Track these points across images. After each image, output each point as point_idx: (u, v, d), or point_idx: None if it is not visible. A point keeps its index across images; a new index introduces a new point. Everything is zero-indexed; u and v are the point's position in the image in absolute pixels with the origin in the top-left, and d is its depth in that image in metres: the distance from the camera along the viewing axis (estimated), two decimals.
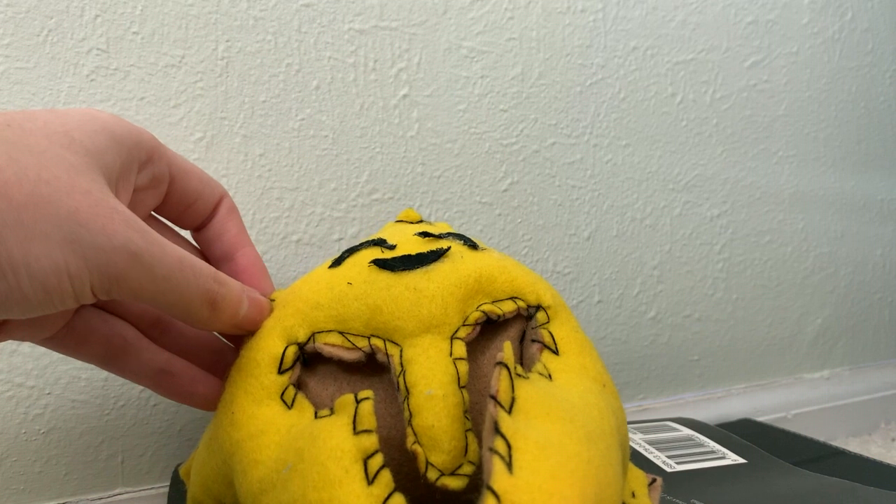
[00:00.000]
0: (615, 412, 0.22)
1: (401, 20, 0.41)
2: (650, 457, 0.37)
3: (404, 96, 0.41)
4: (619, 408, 0.23)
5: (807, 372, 0.57)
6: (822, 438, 0.46)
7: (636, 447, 0.39)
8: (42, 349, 0.33)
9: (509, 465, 0.16)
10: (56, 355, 0.33)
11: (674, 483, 0.34)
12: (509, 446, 0.16)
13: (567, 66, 0.47)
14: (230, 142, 0.37)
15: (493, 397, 0.18)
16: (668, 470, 0.36)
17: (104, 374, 0.34)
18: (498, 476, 0.16)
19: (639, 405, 0.50)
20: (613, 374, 0.49)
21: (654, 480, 0.25)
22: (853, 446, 0.51)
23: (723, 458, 0.38)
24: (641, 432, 0.41)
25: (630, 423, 0.44)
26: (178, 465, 0.35)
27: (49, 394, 0.33)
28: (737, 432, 0.43)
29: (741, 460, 0.37)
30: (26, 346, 0.33)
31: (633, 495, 0.24)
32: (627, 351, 0.49)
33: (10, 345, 0.33)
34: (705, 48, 0.52)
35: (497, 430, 0.17)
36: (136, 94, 0.35)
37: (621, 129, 0.49)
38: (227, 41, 0.37)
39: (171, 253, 0.20)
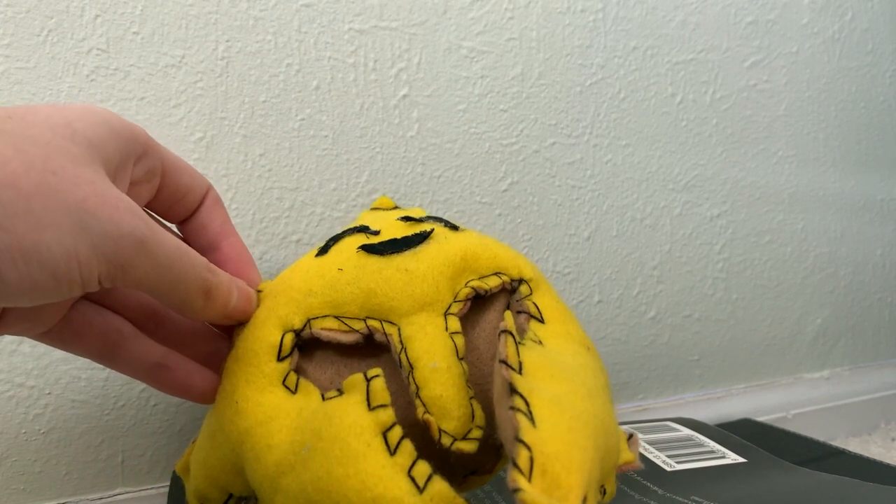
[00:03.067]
0: (602, 371, 0.24)
1: (401, 20, 0.41)
2: (650, 456, 0.37)
3: (404, 96, 0.41)
4: (603, 368, 0.25)
5: (807, 372, 0.57)
6: (822, 438, 0.46)
7: None
8: (42, 349, 0.33)
9: (532, 420, 0.17)
10: (56, 355, 0.33)
11: (674, 482, 0.34)
12: (527, 403, 0.17)
13: (567, 66, 0.47)
14: (230, 142, 0.37)
15: (504, 362, 0.19)
16: (669, 469, 0.36)
17: (104, 374, 0.34)
18: (525, 429, 0.17)
19: (639, 405, 0.50)
20: (613, 374, 0.49)
21: (631, 436, 0.26)
22: (853, 446, 0.51)
23: (723, 457, 0.38)
24: (641, 432, 0.41)
25: (630, 422, 0.44)
26: None
27: (49, 394, 0.33)
28: (737, 432, 0.43)
29: (741, 460, 0.37)
30: (26, 346, 0.33)
31: (619, 452, 0.25)
32: (627, 351, 0.49)
33: (10, 345, 0.33)
34: (705, 48, 0.52)
35: (514, 390, 0.18)
36: (136, 94, 0.35)
37: (621, 129, 0.49)
38: (227, 41, 0.37)
39: (172, 242, 0.21)
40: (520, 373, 0.19)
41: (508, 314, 0.22)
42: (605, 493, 0.22)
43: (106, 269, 0.18)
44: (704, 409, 0.51)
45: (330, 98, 0.39)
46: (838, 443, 0.52)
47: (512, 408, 0.17)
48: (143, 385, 0.35)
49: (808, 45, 0.57)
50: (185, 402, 0.36)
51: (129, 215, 0.19)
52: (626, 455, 0.24)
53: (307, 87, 0.39)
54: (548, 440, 0.16)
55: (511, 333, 0.20)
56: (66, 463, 0.34)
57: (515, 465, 0.16)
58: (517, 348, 0.20)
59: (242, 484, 0.24)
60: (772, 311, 0.55)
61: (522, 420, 0.17)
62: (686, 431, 0.42)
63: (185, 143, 0.36)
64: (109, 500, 0.35)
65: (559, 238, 0.47)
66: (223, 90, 0.37)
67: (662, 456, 0.37)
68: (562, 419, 0.17)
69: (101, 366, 0.34)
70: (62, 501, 0.34)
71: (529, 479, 0.16)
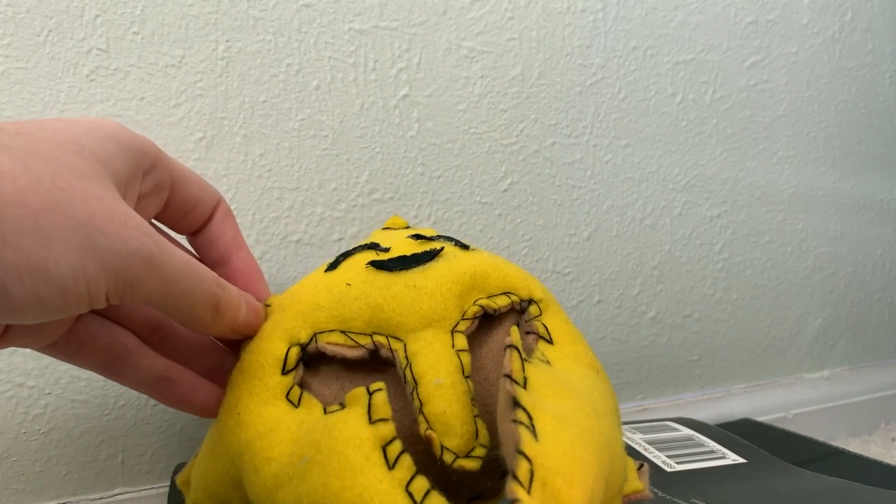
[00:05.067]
0: (611, 395, 0.24)
1: (401, 20, 0.41)
2: (650, 457, 0.37)
3: (404, 96, 0.41)
4: (612, 392, 0.24)
5: (807, 372, 0.57)
6: (822, 438, 0.46)
7: (636, 447, 0.39)
8: None
9: (534, 434, 0.17)
10: None
11: (674, 483, 0.34)
12: (531, 417, 0.17)
13: (567, 66, 0.47)
14: (230, 142, 0.37)
15: (509, 376, 0.19)
16: (668, 470, 0.36)
17: None
18: (527, 442, 0.16)
19: (639, 405, 0.50)
20: (613, 373, 0.49)
21: (641, 465, 0.26)
22: (853, 446, 0.51)
23: (723, 457, 0.38)
24: (641, 432, 0.41)
25: (630, 423, 0.44)
26: (179, 464, 0.35)
27: (49, 394, 0.33)
28: (737, 432, 0.43)
29: (741, 460, 0.37)
30: None
31: (625, 478, 0.24)
32: (627, 351, 0.49)
33: None
34: (705, 48, 0.52)
35: (517, 404, 0.17)
36: (136, 94, 0.35)
37: (621, 129, 0.49)
38: (227, 41, 0.37)
39: (180, 258, 0.20)
40: (524, 388, 0.19)
41: (514, 329, 0.22)
42: None
43: (114, 285, 0.18)
44: (704, 409, 0.51)
45: (330, 98, 0.39)
46: (838, 443, 0.52)
47: (514, 420, 0.17)
48: None
49: (808, 45, 0.57)
50: None
51: (136, 232, 0.19)
52: (636, 484, 0.24)
53: (307, 87, 0.39)
54: (549, 454, 0.16)
55: (517, 348, 0.20)
56: (66, 463, 0.34)
57: (515, 477, 0.16)
58: (522, 364, 0.20)
59: (241, 497, 0.24)
60: (772, 311, 0.55)
61: (524, 433, 0.17)
62: (686, 431, 0.42)
63: (185, 143, 0.36)
64: (109, 500, 0.35)
65: (559, 238, 0.47)
66: (223, 90, 0.37)
67: (662, 456, 0.37)
68: (565, 434, 0.17)
69: None
70: (62, 501, 0.34)
71: (529, 492, 0.15)
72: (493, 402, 0.24)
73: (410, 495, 0.18)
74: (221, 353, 0.27)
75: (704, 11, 0.52)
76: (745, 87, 0.54)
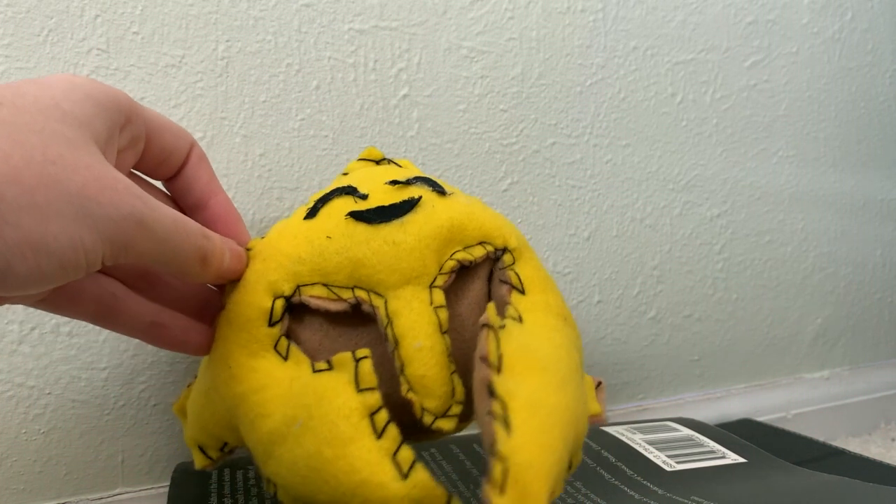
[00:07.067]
0: (574, 342, 0.25)
1: (401, 20, 0.41)
2: (650, 457, 0.37)
3: (404, 96, 0.41)
4: (577, 336, 0.26)
5: (807, 372, 0.57)
6: (822, 438, 0.46)
7: (636, 447, 0.39)
8: (42, 349, 0.33)
9: (507, 427, 0.18)
10: (56, 355, 0.33)
11: (674, 482, 0.34)
12: (505, 407, 0.18)
13: (567, 66, 0.47)
14: (230, 142, 0.37)
15: (484, 359, 0.20)
16: (668, 469, 0.36)
17: (104, 374, 0.34)
18: (501, 440, 0.17)
19: (639, 405, 0.50)
20: (613, 374, 0.49)
21: (599, 384, 0.27)
22: (853, 446, 0.51)
23: (723, 457, 0.38)
24: (641, 432, 0.41)
25: (630, 422, 0.44)
26: (179, 464, 0.35)
27: (49, 394, 0.33)
28: (737, 432, 0.43)
29: (741, 460, 0.37)
30: (26, 346, 0.33)
31: (587, 414, 0.26)
32: (627, 351, 0.49)
33: (10, 345, 0.33)
34: (705, 48, 0.52)
35: (492, 394, 0.19)
36: (136, 94, 0.35)
37: (621, 129, 0.49)
38: (227, 41, 0.37)
39: (168, 214, 0.21)
40: (499, 370, 0.20)
41: (491, 305, 0.22)
42: (571, 466, 0.23)
43: (109, 250, 0.19)
44: (704, 409, 0.51)
45: (330, 98, 0.39)
46: (838, 443, 0.52)
47: (489, 413, 0.18)
48: (144, 385, 0.35)
49: (808, 45, 0.57)
50: None
51: (127, 195, 0.19)
52: (593, 406, 0.25)
53: (307, 87, 0.39)
54: (520, 448, 0.17)
55: (491, 327, 0.21)
56: (66, 463, 0.34)
57: (490, 480, 0.17)
58: (498, 343, 0.20)
59: (237, 438, 0.25)
60: (772, 311, 0.55)
61: (499, 431, 0.18)
62: (686, 431, 0.42)
63: None
64: (109, 500, 0.35)
65: (559, 238, 0.47)
66: (223, 90, 0.37)
67: (662, 456, 0.37)
68: (534, 422, 0.18)
69: (101, 365, 0.34)
70: (62, 501, 0.34)
71: (502, 490, 0.17)
72: (469, 348, 0.25)
73: (398, 465, 0.19)
74: (208, 291, 0.28)
75: (704, 11, 0.52)
76: (745, 87, 0.54)
